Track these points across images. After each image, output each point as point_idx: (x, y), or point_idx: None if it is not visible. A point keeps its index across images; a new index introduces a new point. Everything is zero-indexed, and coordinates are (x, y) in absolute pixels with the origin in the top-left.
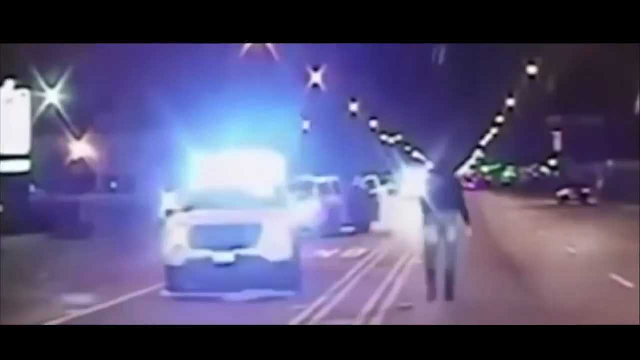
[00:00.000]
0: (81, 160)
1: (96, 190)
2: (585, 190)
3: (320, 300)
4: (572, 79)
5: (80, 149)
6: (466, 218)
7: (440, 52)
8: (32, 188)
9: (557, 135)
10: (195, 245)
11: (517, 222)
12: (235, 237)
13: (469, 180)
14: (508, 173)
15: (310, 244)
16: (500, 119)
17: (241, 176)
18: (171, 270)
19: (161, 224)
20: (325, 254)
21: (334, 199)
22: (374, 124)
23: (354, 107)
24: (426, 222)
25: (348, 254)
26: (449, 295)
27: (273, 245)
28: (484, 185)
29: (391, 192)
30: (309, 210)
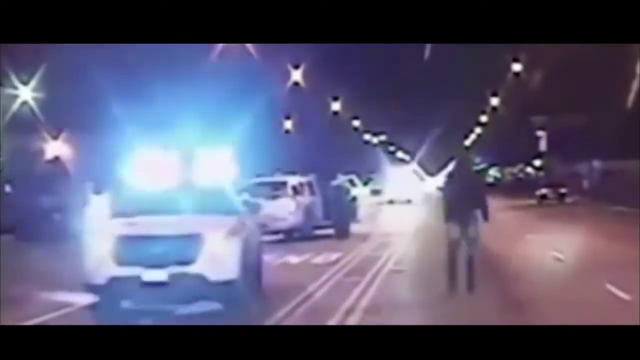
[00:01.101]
0: (56, 160)
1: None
2: (563, 190)
3: (282, 312)
4: (557, 78)
5: (56, 148)
6: (485, 215)
7: (423, 51)
8: (7, 188)
9: (542, 135)
10: (120, 261)
11: (503, 223)
12: (170, 250)
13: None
14: (492, 173)
15: (281, 248)
16: (484, 119)
17: (183, 176)
18: (93, 289)
19: (84, 232)
20: (294, 259)
21: (309, 199)
22: (356, 123)
23: (336, 106)
24: (448, 219)
25: (320, 259)
26: (471, 286)
27: (216, 262)
28: None
29: (375, 193)
30: (281, 211)
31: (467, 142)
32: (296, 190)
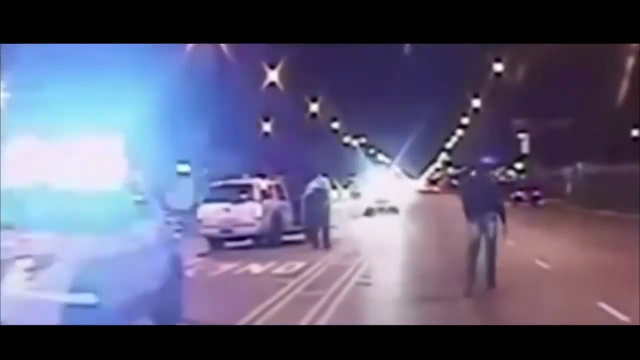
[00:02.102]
0: None
1: None
2: (536, 193)
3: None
4: (540, 80)
5: None
6: (503, 218)
7: (403, 52)
8: None
9: (524, 137)
10: None
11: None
12: None
13: (434, 183)
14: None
15: (245, 256)
16: (465, 121)
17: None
18: None
19: None
20: (257, 268)
21: (277, 203)
22: (335, 125)
23: (314, 107)
24: (469, 221)
25: (282, 268)
26: (492, 282)
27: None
28: (450, 188)
29: (355, 196)
30: (247, 216)
31: (449, 145)
32: (264, 194)
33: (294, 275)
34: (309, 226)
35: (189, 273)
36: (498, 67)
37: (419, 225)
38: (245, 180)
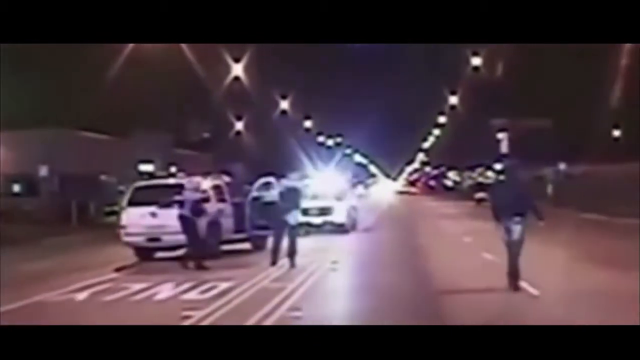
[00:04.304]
0: None
1: None
2: None
3: None
4: (521, 80)
5: None
6: (539, 216)
7: (380, 50)
8: None
9: (503, 137)
10: None
11: (456, 243)
12: None
13: (412, 184)
14: (452, 177)
15: (168, 270)
16: (442, 119)
17: None
18: None
19: None
20: (166, 291)
21: (215, 207)
22: (308, 123)
23: (284, 104)
24: (499, 223)
25: (197, 292)
26: (517, 287)
27: None
28: (428, 189)
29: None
30: (176, 222)
31: (426, 145)
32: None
33: (208, 301)
34: (275, 235)
35: (82, 296)
36: (476, 61)
37: (386, 235)
38: (176, 180)
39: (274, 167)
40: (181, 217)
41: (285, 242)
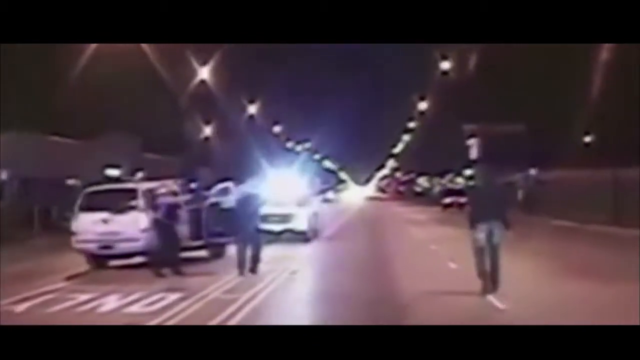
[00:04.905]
0: None
1: None
2: (463, 200)
3: None
4: (491, 84)
5: None
6: (506, 225)
7: (349, 54)
8: None
9: (473, 143)
10: None
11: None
12: None
13: (382, 190)
14: (421, 183)
15: (120, 279)
16: (412, 125)
17: None
18: None
19: None
20: (112, 302)
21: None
22: (277, 129)
23: (252, 109)
24: (475, 228)
25: (141, 305)
26: (495, 287)
27: None
28: (398, 195)
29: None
30: (130, 229)
31: (396, 150)
32: (153, 201)
33: (153, 315)
34: (238, 244)
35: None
36: (445, 65)
37: (350, 243)
38: (129, 184)
39: (241, 173)
40: (156, 222)
41: (249, 250)
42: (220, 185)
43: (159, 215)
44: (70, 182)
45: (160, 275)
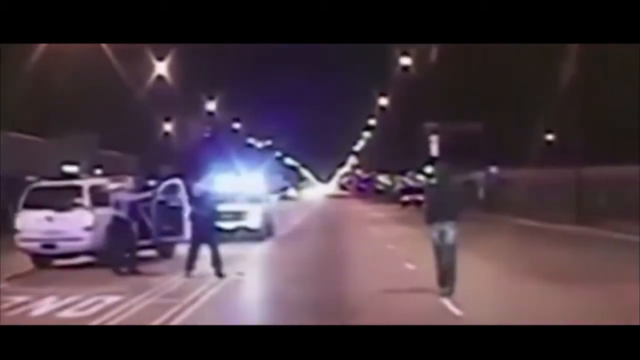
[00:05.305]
0: None
1: None
2: (420, 197)
3: None
4: (452, 82)
5: None
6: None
7: (309, 51)
8: None
9: (434, 140)
10: None
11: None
12: None
13: (344, 188)
14: (383, 180)
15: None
16: (372, 122)
17: None
18: None
19: None
20: (47, 306)
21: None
22: (237, 125)
23: (211, 106)
24: (431, 228)
25: (75, 310)
26: (451, 288)
27: None
28: (359, 192)
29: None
30: (74, 228)
31: (357, 148)
32: (99, 199)
33: (90, 318)
34: (190, 243)
35: None
36: (405, 60)
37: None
38: (74, 181)
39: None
40: (116, 219)
41: (206, 251)
42: (167, 182)
43: (121, 212)
44: (31, 179)
45: (119, 274)
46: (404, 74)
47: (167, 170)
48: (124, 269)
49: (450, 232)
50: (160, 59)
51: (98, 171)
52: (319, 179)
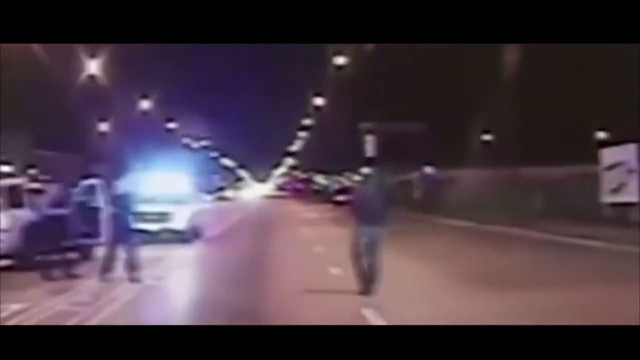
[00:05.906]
0: None
1: None
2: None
3: None
4: (390, 82)
5: None
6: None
7: (245, 48)
8: None
9: (370, 140)
10: None
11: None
12: None
13: (282, 189)
14: (319, 180)
15: None
16: (308, 122)
17: None
18: None
19: None
20: None
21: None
22: (171, 125)
23: (145, 104)
24: (355, 232)
25: None
26: (371, 291)
27: None
28: (297, 193)
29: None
30: None
31: (293, 148)
32: (15, 199)
33: None
34: (106, 245)
35: None
36: (340, 60)
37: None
38: None
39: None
40: (33, 221)
41: (123, 254)
42: (86, 182)
43: (39, 214)
44: None
45: (50, 279)
46: (339, 73)
47: (101, 170)
48: (56, 273)
49: (376, 235)
50: (92, 56)
51: (32, 171)
52: (256, 179)
